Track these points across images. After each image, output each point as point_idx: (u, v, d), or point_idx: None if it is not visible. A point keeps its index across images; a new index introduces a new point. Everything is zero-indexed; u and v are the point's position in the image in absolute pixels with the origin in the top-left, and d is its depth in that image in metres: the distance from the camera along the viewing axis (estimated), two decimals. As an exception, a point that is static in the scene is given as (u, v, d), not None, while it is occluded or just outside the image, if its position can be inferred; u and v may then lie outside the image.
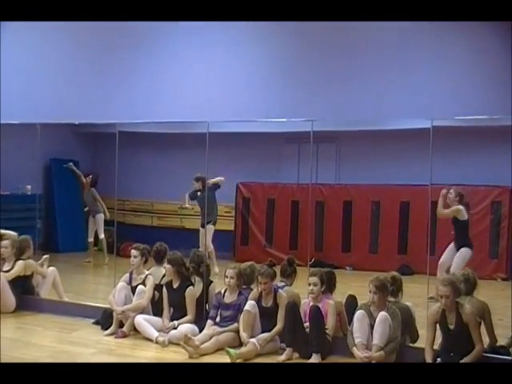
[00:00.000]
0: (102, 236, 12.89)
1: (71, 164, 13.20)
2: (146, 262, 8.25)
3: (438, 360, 6.29)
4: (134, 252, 8.17)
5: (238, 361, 6.81)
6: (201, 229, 11.63)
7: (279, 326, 7.23)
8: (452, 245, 9.51)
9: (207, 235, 11.34)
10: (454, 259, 9.34)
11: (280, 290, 7.48)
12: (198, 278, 8.13)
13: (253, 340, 7.05)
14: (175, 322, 7.68)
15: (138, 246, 8.27)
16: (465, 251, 9.37)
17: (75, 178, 13.23)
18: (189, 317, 7.74)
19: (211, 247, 11.33)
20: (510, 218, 11.17)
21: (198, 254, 8.39)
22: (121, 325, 7.84)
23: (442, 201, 9.35)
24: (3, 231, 9.28)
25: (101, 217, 12.91)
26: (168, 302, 7.90)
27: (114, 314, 7.89)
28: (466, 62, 9.28)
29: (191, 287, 7.86)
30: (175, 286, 7.90)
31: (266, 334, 7.18)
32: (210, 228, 11.50)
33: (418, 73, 9.39)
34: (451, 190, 9.42)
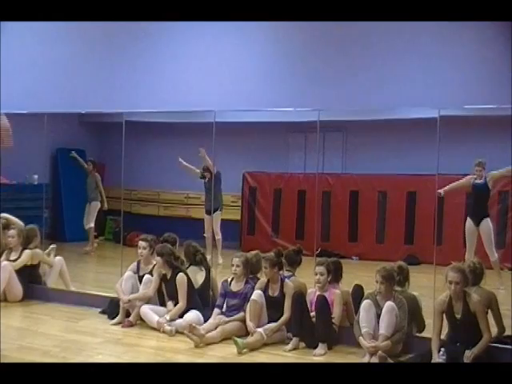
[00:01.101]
0: (91, 225, 12.83)
1: (74, 152, 13.21)
2: (153, 252, 8.23)
3: (442, 350, 6.27)
4: (142, 243, 8.13)
5: (244, 351, 6.82)
6: (206, 215, 11.64)
7: (286, 315, 7.22)
8: (470, 223, 9.60)
9: (216, 222, 11.36)
10: (485, 232, 9.50)
11: (287, 280, 7.48)
12: (195, 268, 8.13)
13: (259, 330, 7.05)
14: (166, 317, 7.61)
15: (146, 237, 8.25)
16: (489, 220, 9.58)
17: (80, 166, 13.22)
18: (179, 304, 7.66)
19: (219, 235, 11.37)
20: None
21: (192, 245, 8.38)
22: (127, 314, 7.85)
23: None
24: (10, 217, 9.32)
25: (95, 205, 12.89)
26: (167, 294, 7.89)
27: (121, 302, 7.90)
28: (474, 52, 9.26)
29: (181, 274, 7.77)
30: (168, 276, 7.88)
31: (272, 324, 7.18)
32: (218, 214, 11.51)
33: (425, 62, 9.39)
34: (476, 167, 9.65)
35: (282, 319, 7.22)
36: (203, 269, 8.20)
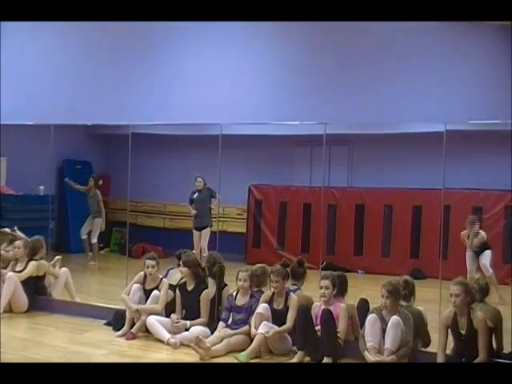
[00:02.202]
0: (94, 240, 12.87)
1: (68, 179, 13.25)
2: (158, 268, 8.22)
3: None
4: (150, 262, 8.03)
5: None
6: (194, 231, 11.69)
7: (288, 324, 7.22)
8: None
9: (205, 239, 11.40)
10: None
11: (291, 293, 7.48)
12: (211, 280, 8.14)
13: (259, 331, 7.06)
14: (187, 322, 7.69)
15: (152, 255, 8.21)
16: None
17: (76, 191, 13.26)
18: (203, 319, 7.75)
19: (206, 252, 11.38)
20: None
21: (213, 256, 8.40)
22: (133, 326, 7.85)
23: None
24: (15, 232, 9.37)
25: (99, 221, 12.91)
26: (181, 304, 7.90)
27: (127, 312, 7.89)
28: (480, 67, 9.27)
29: (206, 290, 7.86)
30: (189, 288, 7.89)
31: (274, 327, 7.19)
32: (207, 232, 11.55)
33: (431, 77, 9.39)
34: None
35: (284, 327, 7.21)
36: (215, 283, 8.17)
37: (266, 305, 7.31)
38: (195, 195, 11.82)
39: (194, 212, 11.87)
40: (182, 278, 8.12)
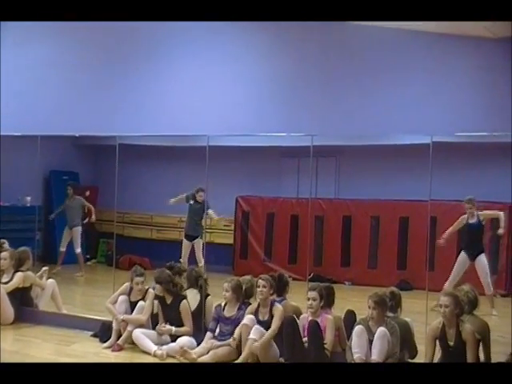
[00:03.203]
0: (78, 250, 12.72)
1: (52, 216, 13.21)
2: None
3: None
4: (139, 279, 8.05)
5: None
6: (184, 240, 11.63)
7: (273, 327, 7.19)
8: (463, 256, 9.63)
9: (199, 249, 11.34)
10: (482, 267, 9.53)
11: (276, 303, 7.47)
12: (193, 291, 8.14)
13: (251, 337, 7.09)
14: (173, 328, 7.69)
15: (140, 271, 8.19)
16: (484, 256, 9.67)
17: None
18: (187, 328, 7.74)
19: (202, 261, 11.35)
20: (510, 234, 11.16)
21: (195, 270, 8.44)
22: (120, 337, 7.83)
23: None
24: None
25: (78, 230, 12.81)
26: (163, 317, 7.90)
27: (114, 322, 7.88)
28: (467, 79, 9.32)
29: (184, 301, 7.88)
30: (168, 301, 7.92)
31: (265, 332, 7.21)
32: (200, 242, 11.50)
33: (418, 89, 9.43)
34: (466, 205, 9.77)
35: (270, 331, 7.18)
36: (199, 293, 8.19)
37: (251, 316, 7.31)
38: (192, 202, 11.66)
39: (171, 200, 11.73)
40: (146, 291, 8.12)
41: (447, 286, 9.15)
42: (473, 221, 9.75)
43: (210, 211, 11.11)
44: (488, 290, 9.43)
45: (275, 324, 7.22)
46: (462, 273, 9.65)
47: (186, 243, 11.69)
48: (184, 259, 11.36)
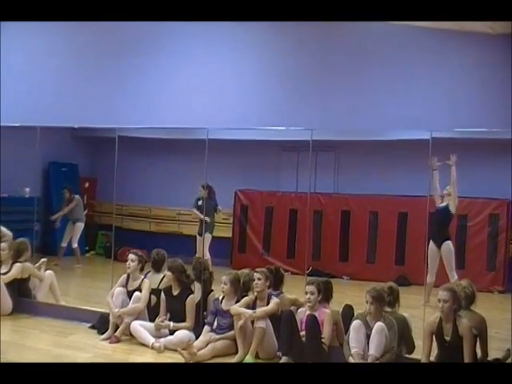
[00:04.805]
0: (75, 245, 12.74)
1: (55, 217, 13.18)
2: (141, 269, 8.27)
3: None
4: (131, 256, 8.21)
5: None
6: (198, 236, 11.61)
7: (269, 307, 7.31)
8: (432, 246, 9.62)
9: (205, 244, 11.32)
10: (445, 254, 9.51)
11: (273, 296, 7.49)
12: (198, 285, 8.14)
13: (247, 312, 7.18)
14: (171, 323, 7.70)
15: (137, 251, 8.30)
16: (450, 243, 9.67)
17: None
18: (187, 324, 7.75)
19: (208, 256, 11.32)
20: (508, 230, 11.18)
21: (200, 261, 8.42)
22: (117, 329, 7.84)
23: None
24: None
25: (81, 226, 12.84)
26: (166, 308, 7.91)
27: (111, 316, 7.90)
28: (467, 75, 9.30)
29: (192, 295, 7.88)
30: (175, 293, 7.92)
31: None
32: (208, 236, 11.48)
33: (418, 84, 9.41)
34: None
35: (265, 307, 7.29)
36: (200, 286, 8.18)
37: (249, 310, 7.31)
38: (200, 202, 11.61)
39: (206, 218, 11.59)
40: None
41: (429, 280, 9.10)
42: (441, 205, 9.77)
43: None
44: (452, 278, 9.41)
45: (270, 307, 7.28)
46: (437, 263, 9.63)
47: (198, 239, 11.60)
48: (198, 254, 11.35)
